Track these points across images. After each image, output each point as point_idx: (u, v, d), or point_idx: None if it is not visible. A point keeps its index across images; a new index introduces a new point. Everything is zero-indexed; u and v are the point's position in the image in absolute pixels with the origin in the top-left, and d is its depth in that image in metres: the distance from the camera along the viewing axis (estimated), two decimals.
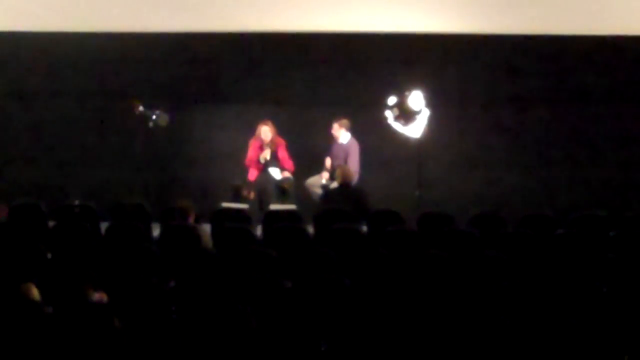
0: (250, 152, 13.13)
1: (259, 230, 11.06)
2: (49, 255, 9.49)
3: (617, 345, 7.21)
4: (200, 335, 6.79)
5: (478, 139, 14.02)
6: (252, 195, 12.49)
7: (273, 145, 13.10)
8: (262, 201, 12.65)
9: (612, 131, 13.98)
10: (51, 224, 10.93)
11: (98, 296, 7.52)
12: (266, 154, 13.06)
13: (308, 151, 13.65)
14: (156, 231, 10.78)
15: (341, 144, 13.21)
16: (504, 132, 14.04)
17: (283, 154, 13.12)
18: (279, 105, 13.91)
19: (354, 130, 13.26)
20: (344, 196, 11.74)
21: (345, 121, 13.22)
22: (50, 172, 14.12)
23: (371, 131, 13.40)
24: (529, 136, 14.07)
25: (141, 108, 12.92)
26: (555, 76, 14.01)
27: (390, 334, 7.09)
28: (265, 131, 13.08)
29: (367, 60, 13.98)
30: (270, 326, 6.99)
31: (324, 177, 13.18)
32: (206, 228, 10.70)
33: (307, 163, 13.43)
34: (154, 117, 12.91)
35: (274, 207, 11.69)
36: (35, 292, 7.44)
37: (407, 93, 12.45)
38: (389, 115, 12.52)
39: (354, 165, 12.93)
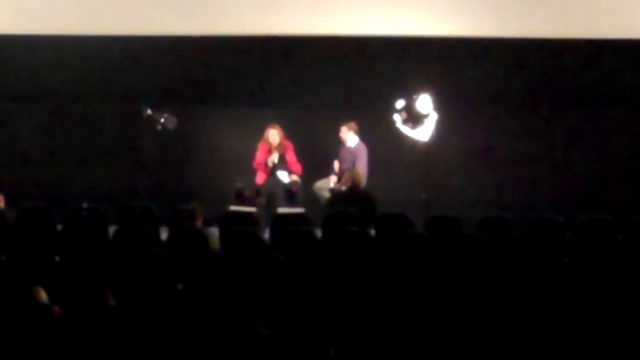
0: (259, 156, 13.14)
1: (267, 234, 11.05)
2: (57, 258, 9.49)
3: (624, 349, 7.20)
4: (208, 338, 6.79)
5: (486, 142, 14.00)
6: (258, 198, 12.47)
7: (281, 148, 13.10)
8: (270, 204, 12.65)
9: (621, 133, 13.96)
10: (59, 227, 10.94)
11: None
12: (274, 158, 13.06)
13: (316, 154, 13.66)
14: (164, 234, 10.79)
15: (349, 148, 13.21)
16: (512, 136, 14.03)
17: (291, 157, 13.13)
18: (287, 109, 13.92)
19: (362, 134, 13.26)
20: (352, 199, 11.74)
21: (353, 124, 13.22)
22: (57, 176, 14.13)
23: (379, 134, 13.41)
24: (537, 139, 14.05)
25: (149, 111, 12.94)
26: (562, 78, 14.00)
27: (398, 337, 7.08)
28: (273, 134, 13.09)
29: (376, 63, 13.98)
30: (278, 330, 6.98)
31: (332, 180, 13.18)
32: (214, 231, 10.70)
33: (315, 166, 13.44)
34: (162, 120, 12.93)
35: (282, 210, 11.70)
36: (43, 295, 7.45)
37: (415, 96, 12.45)
38: (397, 118, 12.52)
39: (362, 169, 12.92)
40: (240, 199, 11.67)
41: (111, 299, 7.23)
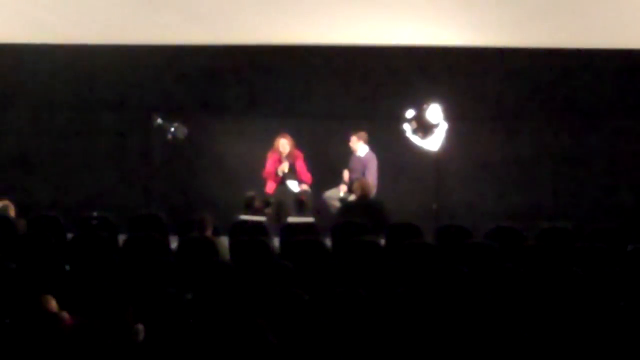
0: (268, 165, 13.15)
1: (276, 243, 11.05)
2: (67, 267, 9.51)
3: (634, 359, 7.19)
4: (217, 347, 6.79)
5: (496, 152, 14.00)
6: (267, 208, 12.46)
7: (291, 158, 13.11)
8: (279, 214, 12.65)
9: (629, 145, 13.94)
10: (69, 236, 10.97)
11: None
12: (284, 167, 13.07)
13: (326, 164, 13.66)
14: (174, 243, 10.80)
15: (359, 157, 13.21)
16: (522, 145, 14.02)
17: (301, 166, 13.13)
18: (297, 118, 13.94)
19: (372, 143, 13.25)
20: (362, 209, 11.72)
21: (363, 134, 13.22)
22: (67, 184, 14.16)
23: (389, 144, 13.40)
24: (546, 148, 14.04)
25: (159, 120, 12.96)
26: (571, 89, 13.99)
27: (408, 347, 7.08)
28: (284, 144, 13.09)
29: (386, 73, 13.99)
30: (287, 339, 6.98)
31: (342, 189, 13.18)
32: (224, 240, 10.71)
33: (325, 176, 13.43)
34: (172, 129, 12.94)
35: (291, 219, 11.69)
36: (53, 304, 7.47)
37: (425, 106, 12.44)
38: (407, 128, 12.51)
39: (372, 178, 12.92)
40: (251, 208, 11.67)
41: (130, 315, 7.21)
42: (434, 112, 12.43)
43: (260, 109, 14.13)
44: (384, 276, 9.23)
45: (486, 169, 13.97)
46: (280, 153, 13.12)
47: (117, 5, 13.82)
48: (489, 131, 14.01)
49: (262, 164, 13.20)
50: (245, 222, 11.34)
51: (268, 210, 12.43)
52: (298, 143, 13.25)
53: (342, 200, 12.95)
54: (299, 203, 11.86)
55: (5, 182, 13.75)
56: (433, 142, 12.50)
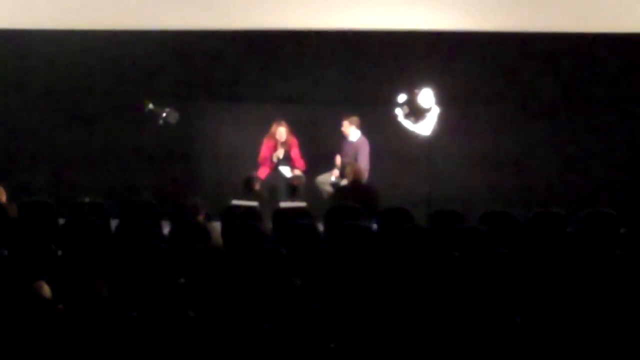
0: (264, 151, 13.14)
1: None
2: (60, 253, 9.51)
3: (627, 344, 7.20)
4: (209, 332, 6.80)
5: (488, 137, 13.99)
6: (262, 191, 12.46)
7: (287, 145, 13.12)
8: (272, 199, 12.65)
9: (620, 130, 13.94)
10: (61, 221, 10.95)
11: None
12: (279, 153, 13.07)
13: (318, 149, 13.64)
14: (166, 229, 10.80)
15: (351, 142, 13.21)
16: (514, 130, 14.01)
17: (296, 154, 13.14)
18: (289, 103, 13.90)
19: (364, 128, 13.25)
20: (354, 194, 11.73)
21: (355, 119, 13.21)
22: (59, 170, 14.14)
23: (381, 129, 13.39)
24: (538, 134, 14.03)
25: (151, 106, 12.93)
26: (564, 75, 13.97)
27: (399, 332, 7.09)
28: (281, 132, 13.09)
29: (378, 57, 13.95)
30: (279, 324, 6.99)
31: (334, 174, 13.18)
32: (216, 225, 10.71)
33: (318, 160, 13.43)
34: (164, 114, 12.92)
35: (284, 204, 11.69)
36: (46, 290, 7.46)
37: (417, 90, 12.44)
38: (399, 112, 12.51)
39: (364, 163, 12.92)
40: (249, 189, 11.66)
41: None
42: (426, 97, 12.43)
43: (252, 93, 14.09)
44: (375, 261, 9.23)
45: (478, 153, 13.96)
46: (276, 140, 13.12)
47: None
48: (481, 115, 13.99)
49: (255, 149, 13.19)
50: (238, 207, 11.33)
51: (265, 193, 12.43)
52: (290, 127, 13.24)
53: (334, 185, 12.96)
54: (292, 188, 11.86)
55: None
56: (425, 127, 12.50)
